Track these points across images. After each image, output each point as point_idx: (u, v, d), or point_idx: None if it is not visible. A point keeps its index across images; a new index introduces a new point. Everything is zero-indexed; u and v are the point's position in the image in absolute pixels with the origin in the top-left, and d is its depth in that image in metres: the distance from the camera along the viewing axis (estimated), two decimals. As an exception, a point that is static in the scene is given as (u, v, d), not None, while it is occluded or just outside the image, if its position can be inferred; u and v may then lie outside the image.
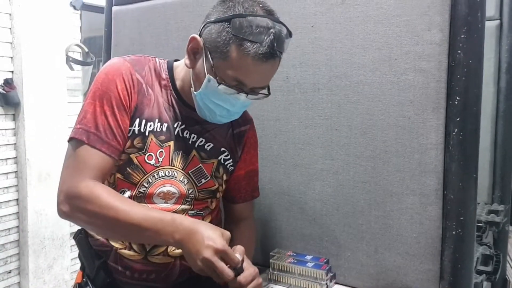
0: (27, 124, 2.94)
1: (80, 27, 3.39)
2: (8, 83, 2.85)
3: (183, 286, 1.11)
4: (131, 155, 1.01)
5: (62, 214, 0.96)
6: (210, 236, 0.88)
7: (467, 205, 1.05)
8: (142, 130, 1.01)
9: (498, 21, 2.03)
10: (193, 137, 1.07)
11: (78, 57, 3.32)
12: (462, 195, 1.05)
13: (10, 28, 2.90)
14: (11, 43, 2.91)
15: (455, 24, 1.03)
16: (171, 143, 1.04)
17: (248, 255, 0.99)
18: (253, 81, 0.95)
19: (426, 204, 1.10)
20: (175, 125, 1.05)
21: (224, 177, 1.12)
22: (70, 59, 3.21)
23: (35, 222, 3.01)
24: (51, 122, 3.07)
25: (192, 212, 1.08)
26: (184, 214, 1.06)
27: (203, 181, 1.08)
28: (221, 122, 1.04)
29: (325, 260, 1.20)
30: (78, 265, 1.22)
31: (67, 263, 3.27)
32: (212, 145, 1.09)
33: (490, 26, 2.00)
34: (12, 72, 2.93)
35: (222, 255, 0.88)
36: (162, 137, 1.03)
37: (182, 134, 1.06)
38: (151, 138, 1.01)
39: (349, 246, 1.22)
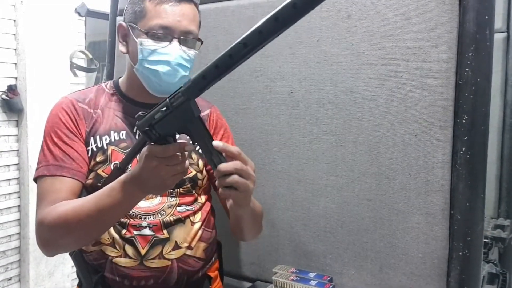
0: (30, 130, 2.95)
1: (85, 34, 3.39)
2: (11, 89, 2.85)
3: None
4: (98, 171, 1.05)
5: (43, 249, 1.01)
6: (143, 155, 0.85)
7: (474, 226, 1.03)
8: (99, 145, 1.06)
9: (505, 34, 2.01)
10: None
11: (82, 63, 3.33)
12: (469, 215, 1.03)
13: (14, 35, 2.90)
14: (15, 49, 2.91)
15: (463, 41, 1.01)
16: None
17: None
18: (175, 22, 1.01)
19: (433, 224, 1.08)
20: (135, 129, 1.09)
21: (200, 163, 1.12)
22: (74, 65, 3.21)
23: (36, 229, 3.01)
24: (54, 128, 3.07)
25: (181, 208, 1.08)
26: (172, 211, 1.07)
27: None
28: (170, 84, 1.03)
29: (328, 278, 1.18)
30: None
31: (68, 270, 3.26)
32: (178, 135, 1.09)
33: (497, 38, 1.98)
34: (16, 78, 2.93)
35: (160, 155, 0.83)
36: (124, 144, 1.07)
37: None
38: (111, 149, 1.06)
39: (353, 264, 1.20)
